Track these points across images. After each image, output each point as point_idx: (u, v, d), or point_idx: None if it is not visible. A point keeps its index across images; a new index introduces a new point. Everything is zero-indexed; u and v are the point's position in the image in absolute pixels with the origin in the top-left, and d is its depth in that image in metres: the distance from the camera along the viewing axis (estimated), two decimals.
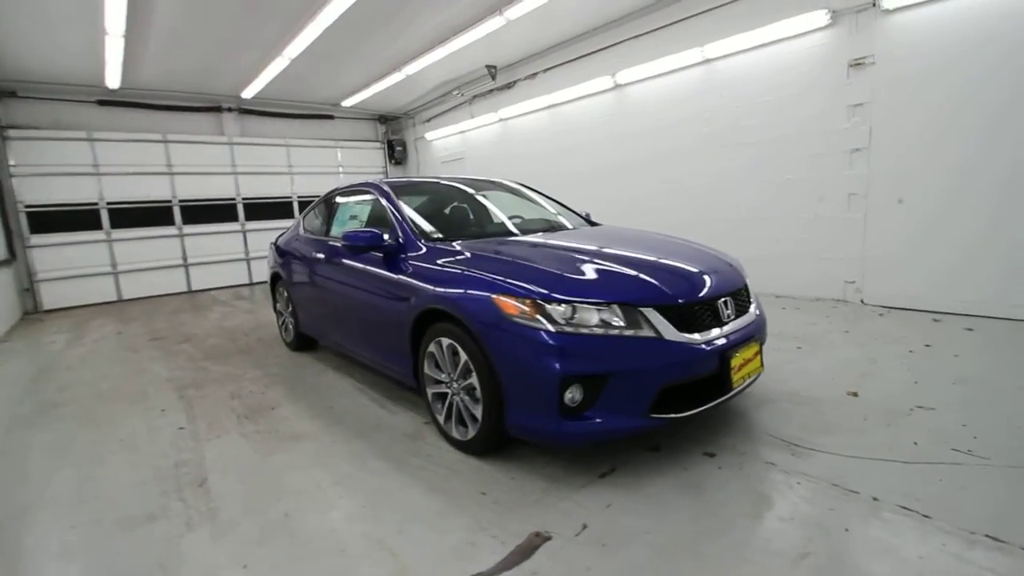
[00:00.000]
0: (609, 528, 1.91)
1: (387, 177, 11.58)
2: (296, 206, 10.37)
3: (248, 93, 8.62)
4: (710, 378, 2.24)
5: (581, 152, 7.43)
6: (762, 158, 5.45)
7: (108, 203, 8.32)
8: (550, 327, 2.09)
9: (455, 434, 2.57)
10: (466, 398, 2.46)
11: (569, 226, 3.58)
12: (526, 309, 2.15)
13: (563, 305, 2.12)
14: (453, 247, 2.84)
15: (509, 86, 8.42)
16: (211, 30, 6.01)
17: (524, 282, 2.24)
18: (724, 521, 1.92)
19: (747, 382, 2.42)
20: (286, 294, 4.62)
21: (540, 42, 7.24)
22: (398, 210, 3.22)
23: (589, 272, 2.35)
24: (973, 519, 1.82)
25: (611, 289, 2.23)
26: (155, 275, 8.86)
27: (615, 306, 2.15)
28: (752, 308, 2.63)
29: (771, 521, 1.90)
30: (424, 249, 2.90)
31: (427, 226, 3.18)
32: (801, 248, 5.26)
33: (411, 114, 11.13)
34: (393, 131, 11.70)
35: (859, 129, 4.73)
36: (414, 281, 2.75)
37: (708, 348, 2.21)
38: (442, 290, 2.51)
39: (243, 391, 3.74)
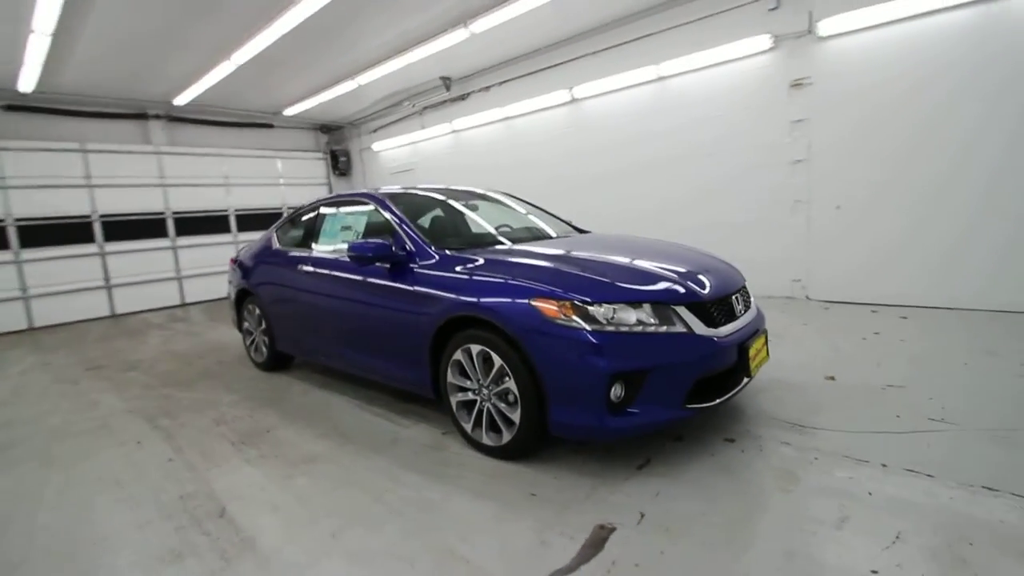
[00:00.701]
0: (666, 514, 2.01)
1: (331, 189, 11.21)
2: (233, 220, 9.76)
3: (182, 99, 8.05)
4: (732, 368, 2.42)
5: (538, 164, 7.63)
6: (714, 169, 5.89)
7: (17, 219, 7.41)
8: (593, 327, 2.18)
9: (486, 440, 2.57)
10: (499, 403, 2.48)
11: (553, 234, 3.66)
12: (567, 312, 2.22)
13: (603, 306, 2.22)
14: (467, 255, 2.86)
15: (463, 97, 8.49)
16: (154, 30, 5.59)
17: (560, 286, 2.32)
18: (764, 498, 2.09)
19: (758, 370, 2.64)
20: (257, 311, 4.37)
21: (496, 55, 7.38)
22: (403, 220, 3.18)
23: (618, 274, 2.47)
24: (967, 474, 2.11)
25: (643, 289, 2.35)
26: (73, 299, 7.98)
27: (649, 305, 2.28)
28: (753, 303, 2.87)
29: (805, 493, 2.09)
30: (436, 258, 2.89)
31: (434, 235, 3.17)
32: (751, 250, 5.70)
33: (356, 124, 10.87)
34: (336, 141, 11.36)
35: (800, 143, 5.26)
36: (432, 290, 2.74)
37: (730, 340, 2.40)
38: (471, 298, 2.52)
39: (227, 416, 3.50)
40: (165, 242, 8.95)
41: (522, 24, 6.03)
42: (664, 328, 2.25)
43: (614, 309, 2.22)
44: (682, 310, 2.31)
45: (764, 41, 5.22)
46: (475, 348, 2.52)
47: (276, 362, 4.41)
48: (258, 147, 10.12)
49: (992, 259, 4.39)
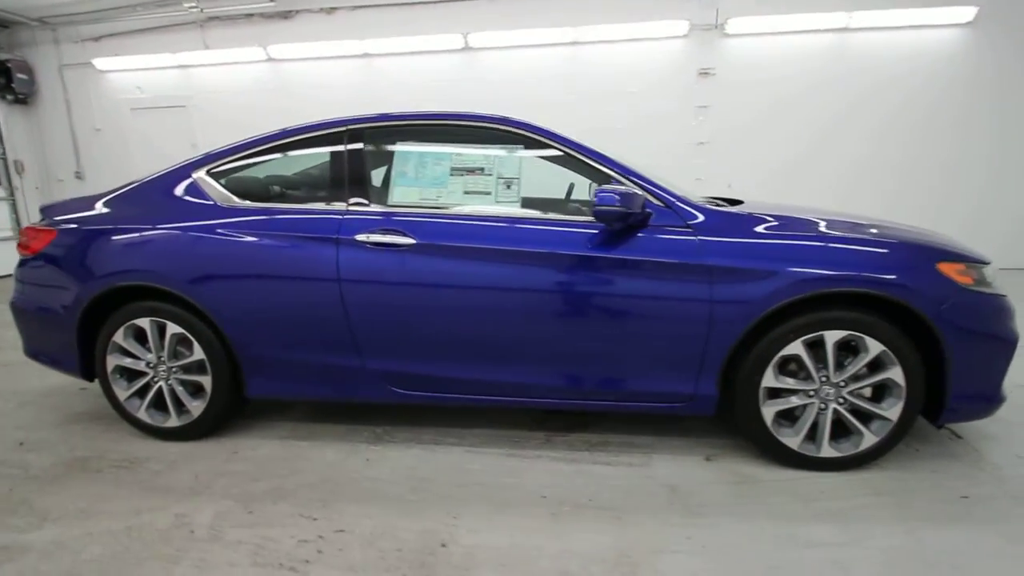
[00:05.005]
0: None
1: (1, 125, 6.74)
2: None
3: None
4: None
5: None
6: (625, 144, 5.99)
7: None
8: (992, 291, 1.95)
9: (828, 452, 2.00)
10: (857, 401, 1.97)
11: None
12: (971, 274, 1.93)
13: (985, 267, 2.00)
14: (743, 211, 2.14)
15: (286, 16, 6.26)
16: None
17: (936, 245, 2.00)
18: None
19: None
20: (175, 331, 2.26)
21: None
22: (623, 166, 2.15)
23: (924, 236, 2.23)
24: None
25: (974, 251, 2.21)
26: None
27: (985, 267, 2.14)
28: None
29: None
30: (701, 216, 2.05)
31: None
32: None
33: (51, 22, 6.71)
34: (6, 46, 6.79)
35: (704, 126, 5.90)
36: (742, 263, 1.93)
37: None
38: (828, 270, 1.88)
39: (278, 545, 1.71)
40: None
41: None
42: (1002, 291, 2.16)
43: (994, 271, 2.03)
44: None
45: (682, 26, 5.58)
46: (833, 335, 1.91)
47: (218, 422, 2.41)
48: None
49: None
